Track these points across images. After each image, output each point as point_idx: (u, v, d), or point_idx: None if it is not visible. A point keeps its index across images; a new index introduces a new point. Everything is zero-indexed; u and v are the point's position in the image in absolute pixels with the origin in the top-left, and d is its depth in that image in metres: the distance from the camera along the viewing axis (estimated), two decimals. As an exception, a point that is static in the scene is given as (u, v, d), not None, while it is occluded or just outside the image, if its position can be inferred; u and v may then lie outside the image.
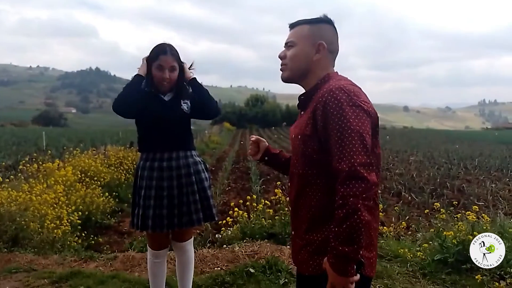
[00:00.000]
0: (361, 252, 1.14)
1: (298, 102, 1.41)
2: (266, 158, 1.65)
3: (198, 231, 4.78)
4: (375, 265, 1.30)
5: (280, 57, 1.39)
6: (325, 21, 1.36)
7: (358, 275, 1.16)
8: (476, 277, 2.89)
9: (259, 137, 1.69)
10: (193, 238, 2.39)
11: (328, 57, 1.36)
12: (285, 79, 1.39)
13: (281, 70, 1.40)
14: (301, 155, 1.28)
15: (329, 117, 1.17)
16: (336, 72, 1.38)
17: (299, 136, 1.29)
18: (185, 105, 2.19)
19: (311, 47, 1.33)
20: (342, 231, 1.10)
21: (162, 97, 2.17)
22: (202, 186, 2.21)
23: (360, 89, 1.28)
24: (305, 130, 1.26)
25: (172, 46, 2.15)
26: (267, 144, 1.67)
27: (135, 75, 2.14)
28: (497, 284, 2.87)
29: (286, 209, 4.17)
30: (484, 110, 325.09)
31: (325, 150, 1.20)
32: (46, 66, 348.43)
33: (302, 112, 1.38)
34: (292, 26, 1.38)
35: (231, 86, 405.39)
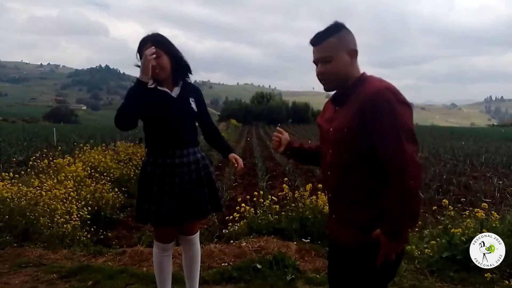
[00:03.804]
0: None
1: (333, 98, 1.56)
2: (288, 152, 1.79)
3: (205, 226, 4.81)
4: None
5: (319, 73, 1.49)
6: (342, 27, 1.46)
7: None
8: (485, 275, 2.85)
9: (282, 130, 1.81)
10: (199, 232, 2.42)
11: (357, 58, 1.50)
12: (331, 90, 1.52)
13: (323, 83, 1.51)
14: (346, 145, 1.43)
15: (381, 114, 1.32)
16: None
17: (345, 130, 1.41)
18: (193, 104, 2.21)
19: (346, 55, 1.45)
20: (405, 211, 1.31)
21: (169, 93, 2.16)
22: (211, 179, 2.27)
23: None
24: (351, 124, 1.39)
25: (156, 35, 2.08)
26: (288, 138, 1.80)
27: (137, 80, 2.00)
28: (506, 282, 2.84)
29: (293, 205, 4.17)
30: (490, 107, 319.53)
31: (371, 142, 1.35)
32: (56, 64, 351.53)
33: (337, 108, 1.52)
34: (318, 42, 1.47)
35: (237, 83, 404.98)
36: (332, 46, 1.44)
